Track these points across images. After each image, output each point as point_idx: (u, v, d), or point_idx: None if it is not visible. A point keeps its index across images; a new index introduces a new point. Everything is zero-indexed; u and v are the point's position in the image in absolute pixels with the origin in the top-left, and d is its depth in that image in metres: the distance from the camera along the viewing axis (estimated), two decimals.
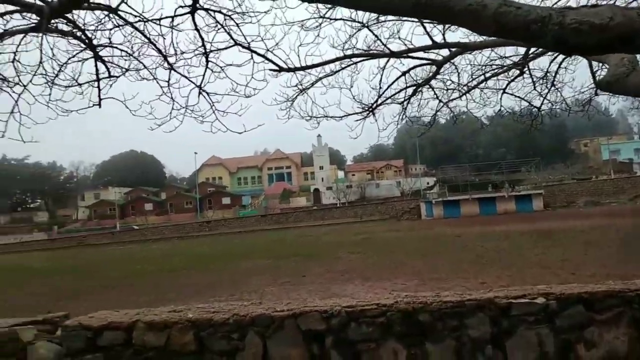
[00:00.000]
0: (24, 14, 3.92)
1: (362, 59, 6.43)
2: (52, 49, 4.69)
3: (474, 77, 7.75)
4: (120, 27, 4.54)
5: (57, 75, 4.55)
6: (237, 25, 4.57)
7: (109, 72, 4.81)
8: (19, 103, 4.42)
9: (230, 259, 22.23)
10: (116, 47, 4.64)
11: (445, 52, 6.66)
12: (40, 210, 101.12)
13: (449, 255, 17.01)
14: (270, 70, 5.01)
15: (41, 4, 3.51)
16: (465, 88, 7.82)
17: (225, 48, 4.76)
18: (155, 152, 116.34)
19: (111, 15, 4.34)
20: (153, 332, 4.08)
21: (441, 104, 7.99)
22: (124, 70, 4.85)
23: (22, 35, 4.10)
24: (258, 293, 12.32)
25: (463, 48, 6.31)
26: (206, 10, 4.41)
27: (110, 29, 4.60)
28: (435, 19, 4.60)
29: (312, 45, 5.76)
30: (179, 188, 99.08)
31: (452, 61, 7.10)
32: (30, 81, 4.40)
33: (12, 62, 4.43)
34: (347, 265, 16.85)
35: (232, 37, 4.58)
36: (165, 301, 10.89)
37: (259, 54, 4.62)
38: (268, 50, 4.65)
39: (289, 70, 5.22)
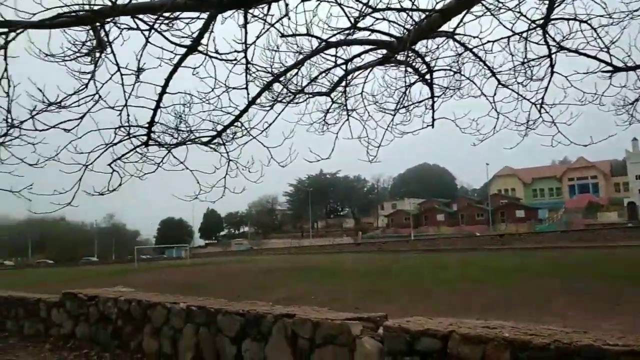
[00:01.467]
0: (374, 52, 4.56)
1: None
2: (382, 78, 5.36)
3: None
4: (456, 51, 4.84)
5: (398, 103, 5.09)
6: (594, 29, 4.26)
7: (432, 93, 5.15)
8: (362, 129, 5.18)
9: (528, 275, 20.69)
10: (449, 70, 4.95)
11: None
12: (348, 217, 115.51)
13: None
14: (605, 71, 4.52)
15: (390, 39, 4.01)
16: None
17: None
18: (447, 164, 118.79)
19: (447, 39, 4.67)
20: (468, 345, 4.05)
21: None
22: (443, 89, 5.13)
23: (368, 69, 4.77)
24: (561, 318, 11.10)
25: None
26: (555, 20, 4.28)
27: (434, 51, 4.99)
28: None
29: None
30: (470, 200, 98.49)
31: None
32: (366, 109, 5.06)
33: (361, 94, 5.20)
34: None
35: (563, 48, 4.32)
36: (460, 312, 10.87)
37: (590, 56, 4.22)
38: (606, 48, 4.18)
39: (628, 69, 4.60)
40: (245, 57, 3.94)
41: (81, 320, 8.89)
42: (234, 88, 4.37)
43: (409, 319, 4.67)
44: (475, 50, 4.94)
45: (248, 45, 3.81)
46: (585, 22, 4.55)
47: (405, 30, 4.30)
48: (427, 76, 5.34)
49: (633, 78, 5.71)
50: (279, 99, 4.99)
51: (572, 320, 10.73)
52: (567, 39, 4.68)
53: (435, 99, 5.47)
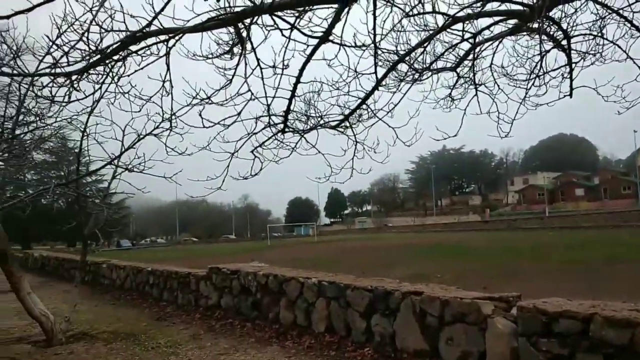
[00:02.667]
0: (502, 23, 4.41)
1: None
2: (512, 48, 5.11)
3: None
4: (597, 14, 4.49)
5: (531, 73, 4.89)
6: None
7: (570, 60, 4.83)
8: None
9: None
10: (589, 34, 4.60)
11: None
12: (474, 194, 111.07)
13: None
14: None
15: (522, 9, 3.86)
16: None
17: None
18: (586, 133, 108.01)
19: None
20: (613, 328, 3.82)
21: None
22: (582, 54, 4.77)
23: (497, 40, 4.63)
24: None
25: None
26: None
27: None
28: None
29: None
30: (614, 172, 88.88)
31: None
32: (495, 82, 4.89)
33: (490, 67, 5.06)
34: None
35: None
36: (603, 294, 10.02)
37: None
38: None
39: None
40: (374, 42, 4.04)
41: (225, 292, 9.80)
42: (363, 74, 4.52)
43: (545, 300, 4.50)
44: (620, 11, 4.48)
45: (377, 35, 3.89)
46: None
47: None
48: (564, 42, 4.98)
49: None
50: (404, 78, 5.02)
51: None
52: None
53: (573, 66, 5.08)
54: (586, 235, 33.20)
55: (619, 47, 4.78)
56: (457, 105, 5.42)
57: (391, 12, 3.74)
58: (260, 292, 8.88)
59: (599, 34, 4.82)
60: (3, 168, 12.06)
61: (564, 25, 4.72)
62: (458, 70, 5.47)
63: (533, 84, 5.15)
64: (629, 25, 4.57)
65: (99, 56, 3.65)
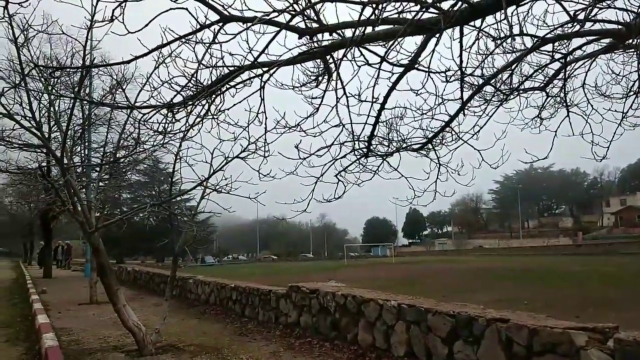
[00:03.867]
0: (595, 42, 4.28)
1: None
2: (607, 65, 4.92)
3: None
4: None
5: (630, 91, 4.68)
6: None
7: None
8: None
9: None
10: None
11: None
12: (564, 215, 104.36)
13: None
14: None
15: (618, 27, 3.74)
16: None
17: None
18: None
19: None
20: None
21: None
22: None
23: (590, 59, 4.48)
24: None
25: None
26: None
27: None
28: None
29: None
30: None
31: None
32: (589, 102, 4.72)
33: (582, 86, 4.90)
34: None
35: None
36: None
37: None
38: None
39: None
40: (460, 69, 4.05)
41: (304, 311, 9.92)
42: (449, 100, 4.54)
43: None
44: None
45: (464, 62, 3.91)
46: None
47: (637, 15, 3.87)
48: None
49: None
50: (490, 100, 4.94)
51: None
52: None
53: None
54: None
55: None
56: (548, 127, 5.24)
57: (477, 39, 3.74)
58: (338, 312, 8.91)
59: None
60: (104, 187, 13.15)
61: None
62: (547, 90, 5.30)
63: (632, 103, 4.87)
64: None
65: (198, 90, 3.98)
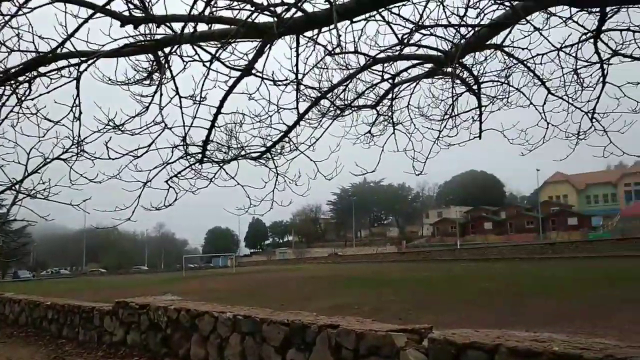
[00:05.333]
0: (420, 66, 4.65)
1: None
2: (429, 90, 5.42)
3: None
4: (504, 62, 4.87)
5: (445, 114, 5.16)
6: None
7: (480, 104, 5.17)
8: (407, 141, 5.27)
9: (586, 286, 19.83)
10: (497, 80, 4.97)
11: None
12: (392, 226, 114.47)
13: None
14: None
15: (438, 54, 4.10)
16: None
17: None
18: (494, 171, 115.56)
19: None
20: (516, 359, 4.02)
21: None
22: (491, 99, 5.14)
23: (415, 82, 4.87)
24: (617, 329, 10.60)
25: None
26: (607, 31, 4.27)
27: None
28: None
29: None
30: (519, 207, 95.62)
31: None
32: (412, 121, 5.14)
33: (407, 107, 5.29)
34: None
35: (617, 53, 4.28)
36: (507, 324, 10.59)
37: None
38: None
39: None
40: (296, 78, 4.10)
41: (132, 328, 9.22)
42: (285, 108, 4.56)
43: (454, 331, 4.65)
44: (524, 61, 4.93)
45: (300, 73, 3.97)
46: None
47: (452, 45, 4.36)
48: (475, 87, 5.35)
49: None
50: (326, 114, 5.13)
51: (629, 333, 10.26)
52: (619, 50, 4.60)
53: (483, 109, 5.47)
54: (495, 267, 35.19)
55: (523, 94, 5.23)
56: (376, 142, 5.61)
57: (314, 50, 3.85)
58: (170, 327, 8.45)
59: (506, 81, 5.25)
60: None
61: (475, 71, 5.09)
62: (378, 108, 5.68)
63: (446, 124, 5.47)
64: (531, 74, 5.02)
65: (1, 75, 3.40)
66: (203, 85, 3.80)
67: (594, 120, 5.10)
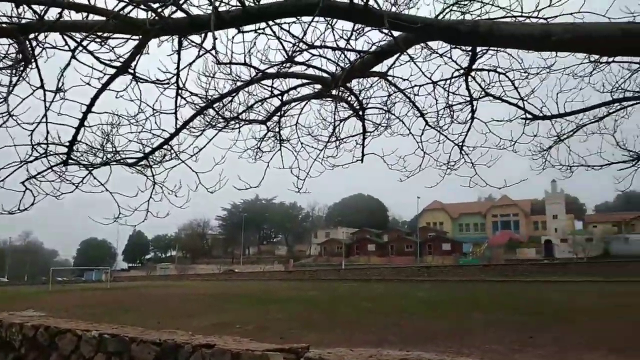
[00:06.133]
0: (310, 86, 4.68)
1: (636, 102, 5.73)
2: (318, 111, 5.50)
3: None
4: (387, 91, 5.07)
5: (331, 136, 5.22)
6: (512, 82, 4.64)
7: (364, 129, 5.34)
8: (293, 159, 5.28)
9: (455, 308, 21.35)
10: (381, 108, 5.15)
11: None
12: (281, 244, 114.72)
13: None
14: (523, 119, 4.93)
15: (325, 76, 4.14)
16: None
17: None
18: (380, 195, 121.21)
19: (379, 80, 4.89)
20: None
21: None
22: (375, 125, 5.33)
23: (304, 101, 4.89)
24: (480, 350, 11.53)
25: None
26: (477, 70, 4.60)
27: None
28: None
29: (575, 90, 5.40)
30: (400, 231, 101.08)
31: None
32: (299, 140, 5.15)
33: (296, 125, 5.29)
34: (590, 332, 14.56)
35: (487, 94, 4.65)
36: (386, 343, 11.04)
37: (512, 104, 4.58)
38: (522, 99, 4.58)
39: (544, 118, 5.02)
40: (177, 82, 3.91)
41: None
42: (162, 112, 4.32)
43: (330, 350, 4.68)
44: (405, 91, 5.21)
45: (180, 70, 3.80)
46: (504, 74, 4.95)
47: (339, 68, 4.47)
48: (360, 112, 5.55)
49: (548, 126, 6.28)
50: (212, 124, 4.97)
51: (490, 352, 11.17)
52: (488, 88, 5.06)
53: (367, 134, 5.68)
54: (376, 288, 36.65)
55: (404, 123, 5.53)
56: (263, 157, 5.57)
57: (199, 55, 3.71)
58: (25, 346, 7.56)
59: (389, 110, 5.51)
60: None
61: (361, 97, 5.28)
62: (268, 124, 5.66)
63: (333, 146, 5.59)
64: (411, 104, 5.32)
65: None
66: (63, 73, 3.46)
67: (462, 152, 5.54)
